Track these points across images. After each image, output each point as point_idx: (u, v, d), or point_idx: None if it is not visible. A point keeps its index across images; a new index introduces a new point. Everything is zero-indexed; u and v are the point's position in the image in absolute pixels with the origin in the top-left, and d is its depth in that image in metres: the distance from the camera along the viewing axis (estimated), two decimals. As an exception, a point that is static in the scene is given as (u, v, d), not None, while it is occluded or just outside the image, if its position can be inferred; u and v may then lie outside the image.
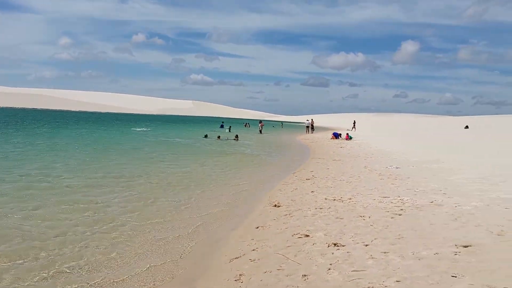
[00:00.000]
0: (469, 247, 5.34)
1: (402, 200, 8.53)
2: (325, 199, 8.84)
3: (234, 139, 32.04)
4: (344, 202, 8.50)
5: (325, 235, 6.07)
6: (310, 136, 42.82)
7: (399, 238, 5.80)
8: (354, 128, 49.87)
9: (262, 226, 6.87)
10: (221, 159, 18.07)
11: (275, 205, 8.38)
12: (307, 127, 51.16)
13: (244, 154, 21.20)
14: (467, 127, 50.94)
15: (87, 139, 26.51)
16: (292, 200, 8.95)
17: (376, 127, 70.69)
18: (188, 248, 6.18)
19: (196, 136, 35.01)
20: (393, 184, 10.74)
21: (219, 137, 32.21)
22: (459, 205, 7.84)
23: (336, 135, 35.58)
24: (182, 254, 5.91)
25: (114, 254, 5.88)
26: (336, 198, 8.85)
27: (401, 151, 21.05)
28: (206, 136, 33.24)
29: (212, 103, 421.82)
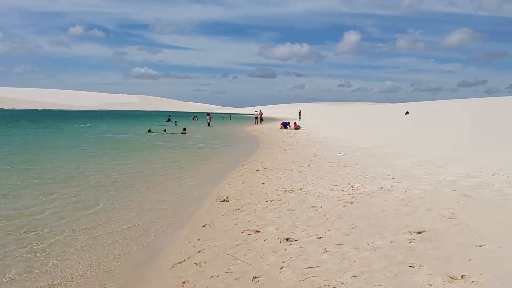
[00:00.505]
0: (423, 233, 5.17)
1: (353, 187, 8.38)
2: (276, 190, 8.47)
3: (182, 133, 31.04)
4: (295, 192, 8.18)
5: (276, 229, 5.67)
6: (259, 127, 42.68)
7: (352, 228, 5.53)
8: (300, 118, 50.48)
9: (209, 224, 6.34)
10: (167, 154, 17.18)
11: (224, 200, 7.88)
12: (256, 118, 51.08)
13: (191, 148, 20.43)
14: (407, 113, 53.25)
15: (19, 139, 24.32)
16: (241, 193, 8.49)
17: (323, 116, 72.23)
18: (125, 255, 5.50)
19: (140, 131, 33.49)
20: (343, 171, 10.63)
21: (165, 130, 30.99)
22: (408, 189, 7.80)
23: (285, 125, 35.73)
24: (118, 263, 5.23)
25: (38, 264, 5.10)
26: (287, 189, 8.51)
27: (349, 138, 21.35)
28: (149, 131, 31.83)
29: (157, 97, 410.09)
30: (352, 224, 5.68)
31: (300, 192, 8.19)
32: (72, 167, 13.06)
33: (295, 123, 35.91)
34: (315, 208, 6.75)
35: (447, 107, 56.54)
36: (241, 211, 6.92)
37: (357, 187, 8.36)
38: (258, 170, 11.72)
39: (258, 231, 5.62)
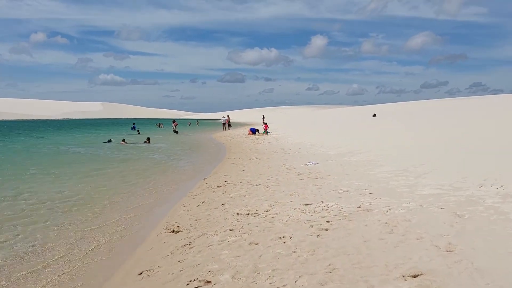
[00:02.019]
0: (420, 277, 4.03)
1: (327, 206, 7.22)
2: (237, 214, 7.18)
3: (145, 142, 29.19)
4: (260, 216, 6.92)
5: (233, 278, 4.38)
6: (227, 133, 41.32)
7: (330, 272, 4.32)
8: (264, 123, 49.28)
9: (148, 271, 4.94)
10: (122, 169, 15.47)
11: (173, 231, 6.50)
12: (224, 124, 49.73)
13: (151, 160, 18.80)
14: (374, 115, 53.41)
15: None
16: (196, 219, 7.14)
17: (291, 120, 71.68)
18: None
19: (99, 141, 31.34)
20: (314, 185, 9.48)
21: (123, 140, 28.99)
22: (390, 209, 6.71)
23: (253, 131, 34.59)
24: None
25: None
26: (250, 212, 7.24)
27: (319, 144, 20.39)
28: (109, 141, 29.69)
29: (123, 104, 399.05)
30: (329, 265, 4.48)
31: (266, 215, 6.94)
32: (3, 188, 11.26)
33: (266, 123, 34.98)
34: (283, 240, 5.51)
35: (411, 109, 57.29)
36: (192, 247, 5.57)
37: (332, 206, 7.21)
38: (220, 186, 10.40)
39: (208, 282, 4.31)
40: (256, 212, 7.20)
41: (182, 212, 7.93)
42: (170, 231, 6.52)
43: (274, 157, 16.59)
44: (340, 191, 8.48)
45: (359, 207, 7.02)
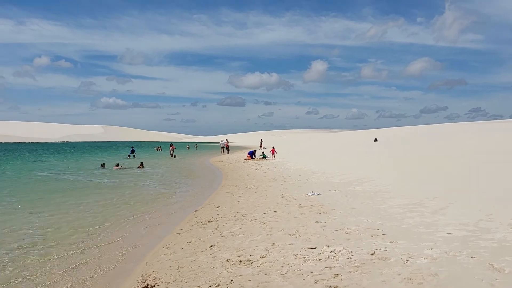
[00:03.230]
0: None
1: (334, 252, 6.09)
2: (227, 261, 6.05)
3: (139, 167, 28.12)
4: (253, 265, 5.79)
5: None
6: (225, 157, 40.27)
7: None
8: (261, 147, 48.33)
9: None
10: (104, 199, 14.12)
11: (148, 285, 5.35)
12: (222, 147, 48.76)
13: (142, 188, 17.63)
14: (376, 140, 52.53)
15: None
16: (178, 268, 6.00)
17: (291, 144, 70.81)
18: None
19: (92, 166, 30.24)
20: (317, 221, 8.37)
21: (117, 165, 27.90)
22: (411, 257, 5.59)
23: (251, 154, 33.56)
24: None
25: None
26: (243, 258, 6.10)
27: (320, 171, 19.32)
28: (103, 165, 28.61)
29: (124, 127, 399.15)
30: None
31: (261, 263, 5.81)
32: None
33: (273, 147, 33.97)
34: (282, 303, 4.38)
35: (412, 133, 56.42)
36: (166, 312, 4.43)
37: (340, 252, 6.08)
38: (211, 221, 9.27)
39: None
40: (250, 258, 6.06)
41: (164, 256, 6.78)
42: (144, 285, 5.36)
43: (272, 185, 15.49)
44: (348, 231, 7.36)
45: (373, 254, 5.90)
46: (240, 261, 5.98)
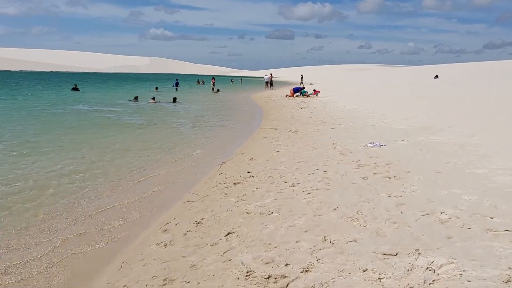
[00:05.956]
0: None
1: (433, 268, 3.47)
2: (247, 275, 3.63)
3: (173, 102, 26.09)
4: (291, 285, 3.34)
5: None
6: (268, 93, 37.45)
7: None
8: (301, 83, 44.21)
9: None
10: (119, 139, 12.20)
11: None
12: (266, 82, 45.83)
13: (170, 128, 15.41)
14: (437, 76, 47.02)
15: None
16: (167, 277, 3.69)
17: (342, 80, 66.08)
18: None
19: (129, 98, 28.59)
20: (388, 195, 5.69)
21: (153, 98, 26.03)
22: None
23: (297, 90, 30.28)
24: None
25: None
26: (272, 273, 3.65)
27: (378, 112, 16.18)
28: (136, 98, 26.81)
29: (171, 59, 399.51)
30: None
31: (303, 284, 3.34)
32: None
33: (314, 90, 30.37)
34: None
35: (478, 71, 49.79)
36: None
37: (443, 267, 3.46)
38: (238, 183, 6.86)
39: None
40: (285, 273, 3.59)
41: (154, 249, 4.48)
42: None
43: (321, 130, 12.76)
44: (443, 218, 4.65)
45: (509, 280, 3.22)
46: (269, 277, 3.54)
